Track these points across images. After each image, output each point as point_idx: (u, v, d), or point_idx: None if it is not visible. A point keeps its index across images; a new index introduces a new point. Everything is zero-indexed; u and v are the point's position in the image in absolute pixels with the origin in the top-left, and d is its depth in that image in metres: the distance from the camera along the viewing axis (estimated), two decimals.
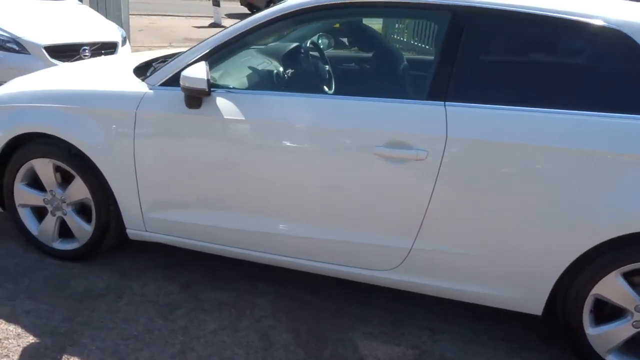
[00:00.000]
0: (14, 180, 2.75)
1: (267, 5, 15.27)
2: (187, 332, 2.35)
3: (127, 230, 2.68)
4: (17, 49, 5.30)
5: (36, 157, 2.66)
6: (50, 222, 2.79)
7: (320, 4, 2.28)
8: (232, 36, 2.40)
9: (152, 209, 2.57)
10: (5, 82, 5.24)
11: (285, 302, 2.61)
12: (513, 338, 2.46)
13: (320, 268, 2.46)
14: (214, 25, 14.18)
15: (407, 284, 2.36)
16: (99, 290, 2.60)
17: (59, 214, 2.76)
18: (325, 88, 2.29)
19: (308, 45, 2.80)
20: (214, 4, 14.10)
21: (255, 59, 2.54)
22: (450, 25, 2.15)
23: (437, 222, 2.21)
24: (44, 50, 5.35)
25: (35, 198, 2.78)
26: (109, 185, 2.58)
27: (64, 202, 2.72)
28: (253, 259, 2.56)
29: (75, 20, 6.05)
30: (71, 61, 5.51)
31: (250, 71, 2.49)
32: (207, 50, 2.42)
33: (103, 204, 2.63)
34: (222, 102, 2.35)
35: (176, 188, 2.49)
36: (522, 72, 2.15)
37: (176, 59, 2.49)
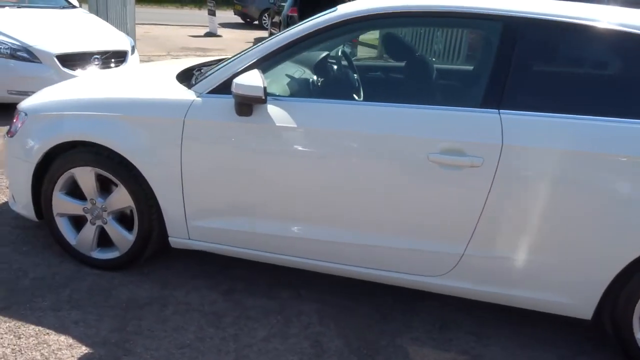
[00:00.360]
0: (53, 189, 2.73)
1: (261, 15, 15.25)
2: (238, 340, 2.34)
3: (170, 239, 2.67)
4: (28, 57, 5.26)
5: (77, 166, 2.65)
6: (90, 231, 2.76)
7: (374, 13, 2.31)
8: (283, 44, 2.41)
9: (197, 217, 2.56)
10: (16, 90, 5.23)
11: (329, 308, 2.62)
12: (561, 342, 2.49)
13: (368, 274, 2.47)
14: (210, 34, 14.18)
15: (457, 289, 2.38)
16: (143, 299, 2.59)
17: (98, 222, 2.74)
18: (378, 96, 2.31)
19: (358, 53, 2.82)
20: (209, 13, 14.11)
21: (302, 67, 2.56)
22: (504, 35, 2.20)
23: (490, 228, 2.24)
24: (55, 59, 5.32)
25: (74, 207, 2.76)
26: (153, 194, 2.58)
27: (105, 210, 2.71)
28: (299, 266, 2.56)
29: (85, 29, 6.03)
30: (82, 70, 5.49)
31: (299, 79, 2.50)
32: (257, 59, 2.44)
33: (146, 212, 2.62)
34: (274, 110, 2.36)
35: (223, 195, 2.48)
36: (574, 81, 2.19)
37: (223, 67, 2.50)
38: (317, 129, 2.31)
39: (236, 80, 2.31)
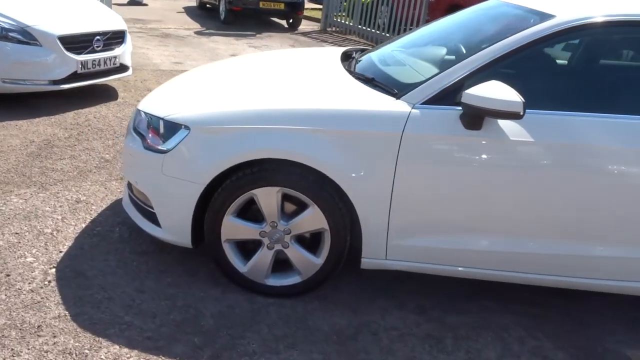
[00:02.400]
0: (224, 212, 2.39)
1: None
2: None
3: (363, 260, 2.46)
4: (25, 40, 4.50)
5: (262, 186, 2.34)
6: (266, 257, 2.47)
7: (622, 20, 2.25)
8: (505, 52, 2.27)
9: (400, 235, 2.38)
10: (11, 79, 4.45)
11: (524, 318, 2.59)
12: None
13: (583, 284, 2.44)
14: (134, 3, 13.05)
15: None
16: (346, 328, 2.38)
17: (277, 247, 2.45)
18: (627, 107, 2.25)
19: (599, 59, 2.70)
20: None
21: (532, 75, 2.41)
22: None
23: None
24: (58, 42, 4.60)
25: (250, 231, 2.44)
26: (352, 213, 2.35)
27: (287, 233, 2.43)
28: (505, 280, 2.49)
29: (77, 7, 5.25)
30: (84, 54, 4.81)
31: (531, 88, 2.34)
32: (475, 67, 2.28)
33: (342, 233, 2.39)
34: (506, 123, 2.23)
35: (436, 212, 2.33)
36: None
37: (436, 77, 2.30)
38: (553, 143, 2.23)
39: (471, 91, 2.14)
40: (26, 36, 4.48)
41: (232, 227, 2.43)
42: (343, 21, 11.51)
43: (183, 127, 2.39)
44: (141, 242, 2.86)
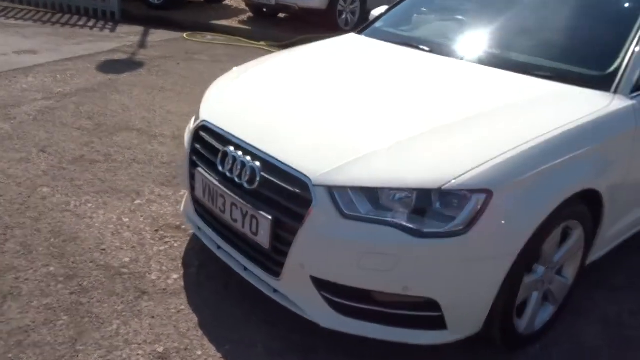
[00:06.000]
0: (524, 275, 1.95)
1: None
2: None
3: (589, 258, 2.40)
4: None
5: (555, 229, 1.99)
6: (537, 304, 2.14)
7: None
8: None
9: (611, 225, 2.40)
10: None
11: None
12: None
13: None
14: None
15: None
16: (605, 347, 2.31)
17: (546, 286, 2.16)
18: None
19: None
20: None
21: None
22: None
23: None
24: None
25: (533, 284, 2.06)
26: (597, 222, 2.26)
27: (553, 268, 2.15)
28: None
29: None
30: None
31: None
32: None
33: (589, 245, 2.28)
34: None
35: None
36: None
37: (632, 66, 2.30)
38: None
39: None
40: None
41: (523, 289, 2.00)
42: None
43: (476, 193, 1.76)
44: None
